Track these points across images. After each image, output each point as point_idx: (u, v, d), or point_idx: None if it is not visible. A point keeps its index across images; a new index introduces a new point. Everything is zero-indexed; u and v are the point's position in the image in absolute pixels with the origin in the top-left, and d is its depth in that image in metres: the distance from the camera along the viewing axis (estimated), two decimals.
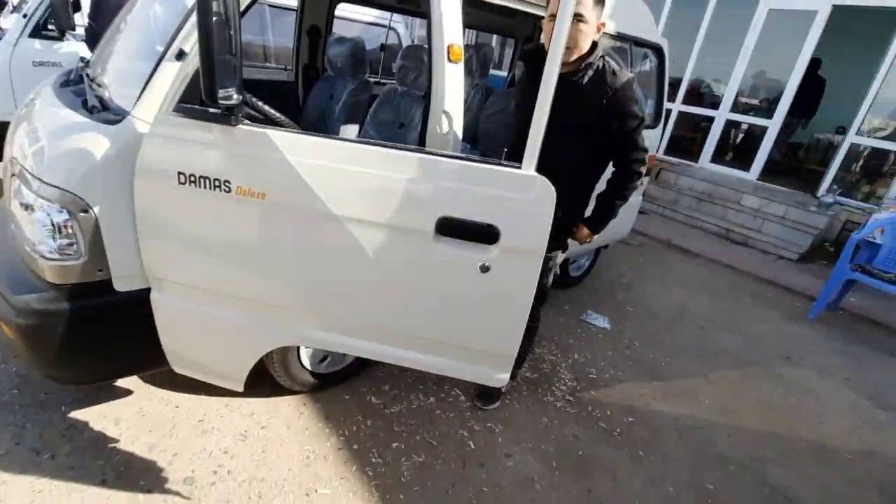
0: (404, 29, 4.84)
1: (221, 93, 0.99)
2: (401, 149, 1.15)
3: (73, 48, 3.17)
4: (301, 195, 1.17)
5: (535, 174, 1.10)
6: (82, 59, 1.94)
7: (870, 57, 5.09)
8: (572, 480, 1.81)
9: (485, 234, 1.14)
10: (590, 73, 1.50)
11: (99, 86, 1.49)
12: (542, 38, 1.55)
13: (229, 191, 1.19)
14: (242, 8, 1.09)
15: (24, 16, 3.01)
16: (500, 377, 1.33)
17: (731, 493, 1.87)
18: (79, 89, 1.53)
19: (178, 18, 2.39)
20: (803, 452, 2.15)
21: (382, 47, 3.70)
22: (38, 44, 3.06)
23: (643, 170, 1.64)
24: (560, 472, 1.84)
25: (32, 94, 1.82)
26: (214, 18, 0.92)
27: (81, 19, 3.41)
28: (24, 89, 3.05)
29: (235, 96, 1.05)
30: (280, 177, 1.17)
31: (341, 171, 1.16)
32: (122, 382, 1.89)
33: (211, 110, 1.14)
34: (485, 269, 1.16)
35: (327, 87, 2.75)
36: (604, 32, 2.47)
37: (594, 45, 1.52)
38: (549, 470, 1.84)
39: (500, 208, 1.13)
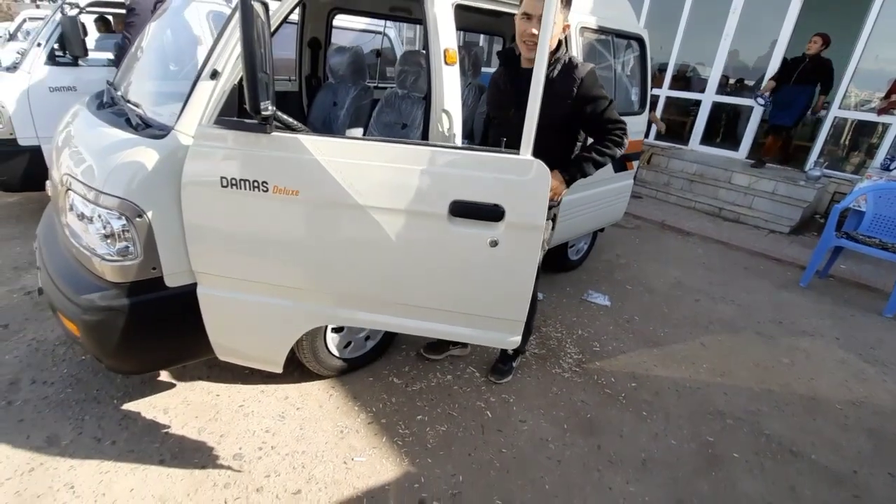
0: (395, 33, 5.00)
1: (262, 105, 1.16)
2: (414, 144, 1.32)
3: (88, 74, 3.33)
4: (330, 190, 1.34)
5: (532, 158, 1.27)
6: (109, 82, 2.11)
7: (848, 32, 5.26)
8: (583, 439, 1.98)
9: (492, 213, 1.31)
10: (558, 67, 1.68)
11: (136, 106, 1.66)
12: (516, 36, 1.68)
13: (267, 190, 1.36)
14: (272, 30, 1.26)
15: (39, 44, 3.18)
16: (512, 339, 1.51)
17: (730, 442, 2.04)
18: (117, 110, 1.69)
19: (188, 43, 2.57)
20: (796, 405, 2.32)
21: (378, 53, 3.87)
22: (53, 70, 3.22)
23: (624, 139, 1.75)
24: (571, 432, 2.01)
25: (68, 118, 2.00)
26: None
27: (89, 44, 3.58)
28: (43, 114, 3.23)
29: (271, 108, 1.23)
30: (311, 175, 1.34)
31: (364, 166, 1.33)
32: (164, 376, 2.07)
33: (248, 121, 1.31)
34: (494, 243, 1.33)
35: (330, 95, 2.92)
36: (587, 27, 2.64)
37: (560, 43, 1.69)
38: (561, 431, 2.01)
39: (504, 190, 1.30)
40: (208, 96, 1.40)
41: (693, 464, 1.91)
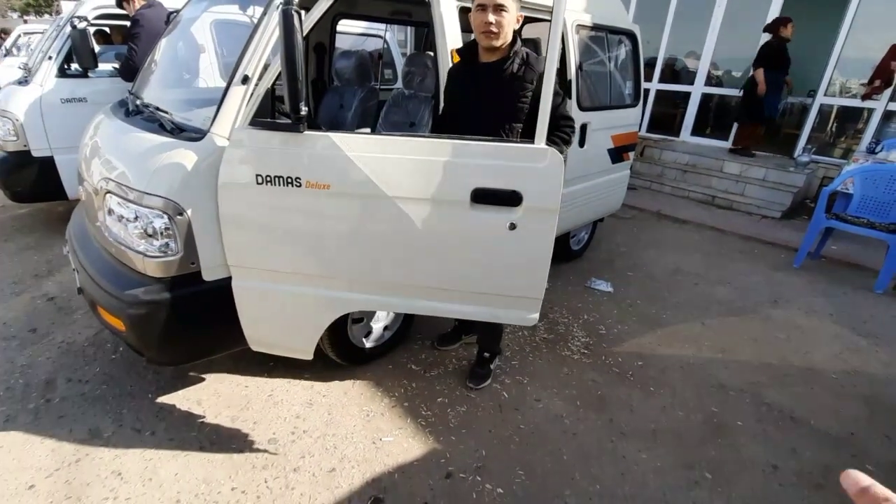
0: (390, 36, 5.10)
1: (300, 106, 1.27)
2: (437, 137, 1.43)
3: (97, 85, 3.42)
4: (359, 183, 1.44)
5: (546, 147, 1.38)
6: (130, 91, 2.20)
7: (831, 20, 5.42)
8: (595, 414, 2.10)
9: (511, 199, 1.42)
10: (517, 60, 1.69)
11: (165, 112, 1.76)
12: (473, 28, 1.67)
13: (300, 185, 1.46)
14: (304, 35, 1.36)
15: (49, 58, 3.25)
16: (531, 317, 1.62)
17: (733, 412, 2.16)
18: (148, 116, 1.79)
19: (194, 54, 2.66)
20: (794, 376, 2.45)
21: (380, 56, 3.97)
22: (64, 83, 3.30)
23: (572, 135, 1.75)
24: (584, 408, 2.12)
25: (92, 128, 2.08)
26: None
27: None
28: (55, 126, 3.30)
29: (304, 108, 1.33)
30: (341, 170, 1.44)
31: (391, 160, 1.44)
32: (194, 371, 2.16)
33: (281, 121, 1.41)
34: (513, 227, 1.44)
35: (337, 98, 3.02)
36: (583, 25, 2.76)
37: (515, 36, 1.71)
38: (574, 408, 2.12)
39: (521, 177, 1.41)
40: (241, 100, 1.50)
41: (700, 432, 2.03)
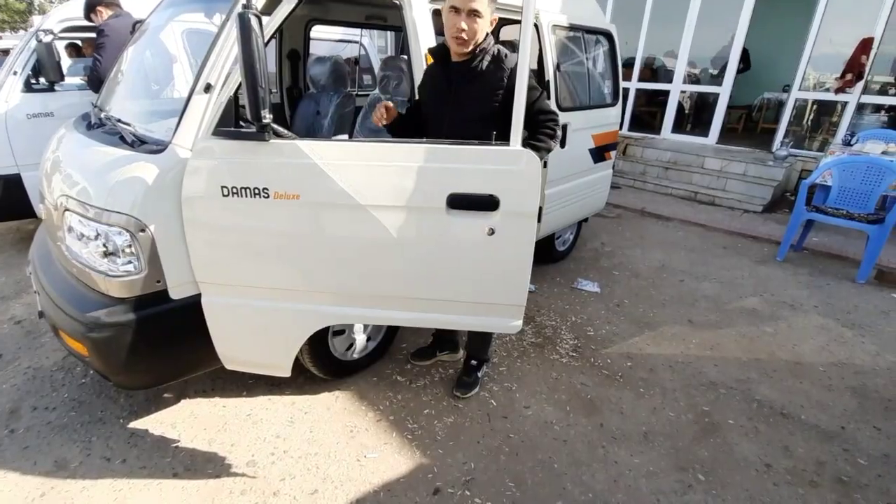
0: (369, 41, 5.06)
1: (262, 114, 1.21)
2: (410, 142, 1.38)
3: (64, 99, 3.31)
4: (330, 192, 1.38)
5: (522, 149, 1.34)
6: (94, 104, 2.11)
7: (803, 16, 5.52)
8: (585, 418, 2.05)
9: (488, 203, 1.37)
10: (487, 58, 1.62)
11: (127, 124, 1.68)
12: (445, 31, 1.62)
13: (268, 196, 1.40)
14: (265, 41, 1.30)
15: (14, 73, 3.14)
16: (514, 324, 1.57)
17: (724, 410, 2.14)
18: (108, 129, 1.71)
19: (165, 62, 2.59)
20: (782, 371, 2.44)
21: (355, 61, 3.92)
22: (30, 97, 3.19)
23: (557, 130, 1.71)
24: (574, 413, 2.08)
25: (54, 143, 1.99)
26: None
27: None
28: (21, 142, 3.19)
29: (269, 116, 1.27)
30: (310, 179, 1.38)
31: (361, 167, 1.38)
32: (168, 393, 2.07)
33: (245, 130, 1.35)
34: (491, 232, 1.39)
35: (313, 104, 2.96)
36: (559, 25, 2.75)
37: (487, 35, 1.66)
38: (564, 413, 2.08)
39: (498, 180, 1.37)
40: (203, 109, 1.43)
41: (691, 433, 2.00)
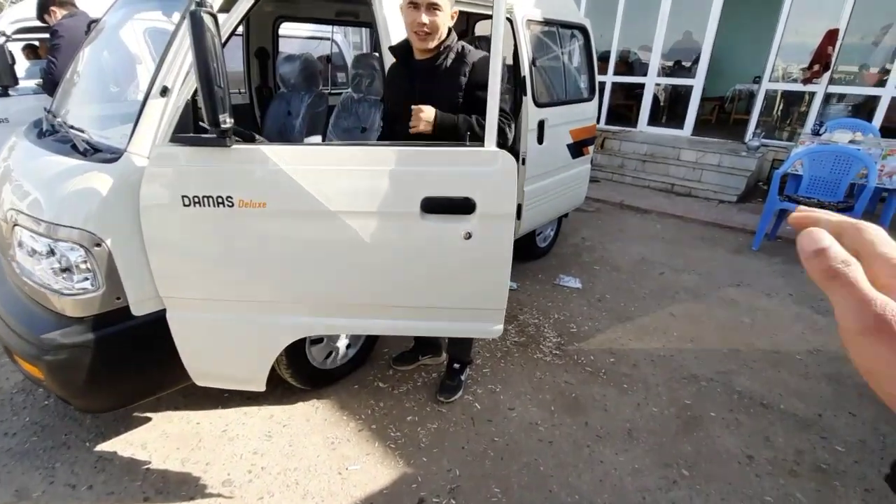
0: (342, 38, 4.95)
1: (221, 118, 1.13)
2: (379, 145, 1.33)
3: (19, 104, 3.13)
4: (298, 199, 1.32)
5: (497, 149, 1.30)
6: (47, 109, 1.99)
7: (772, 7, 5.61)
8: (570, 418, 2.04)
9: (463, 206, 1.33)
10: (451, 55, 1.61)
11: (80, 131, 1.58)
12: (406, 27, 1.60)
13: (232, 205, 1.32)
14: (223, 41, 1.23)
15: None
16: (495, 328, 1.53)
17: (706, 403, 2.15)
18: (60, 137, 1.60)
19: (124, 63, 2.46)
20: (761, 361, 2.47)
21: (328, 59, 3.82)
22: None
23: (507, 130, 1.62)
24: (559, 413, 2.06)
25: (4, 152, 1.87)
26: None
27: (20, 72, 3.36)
28: None
29: (229, 120, 1.20)
30: (277, 185, 1.32)
31: (330, 171, 1.32)
32: (138, 411, 1.98)
33: (206, 136, 1.27)
34: (468, 236, 1.35)
35: (283, 104, 2.87)
36: (533, 20, 2.71)
37: (450, 31, 1.63)
38: (548, 414, 2.06)
39: (473, 182, 1.32)
40: (160, 114, 1.35)
41: (675, 427, 2.00)
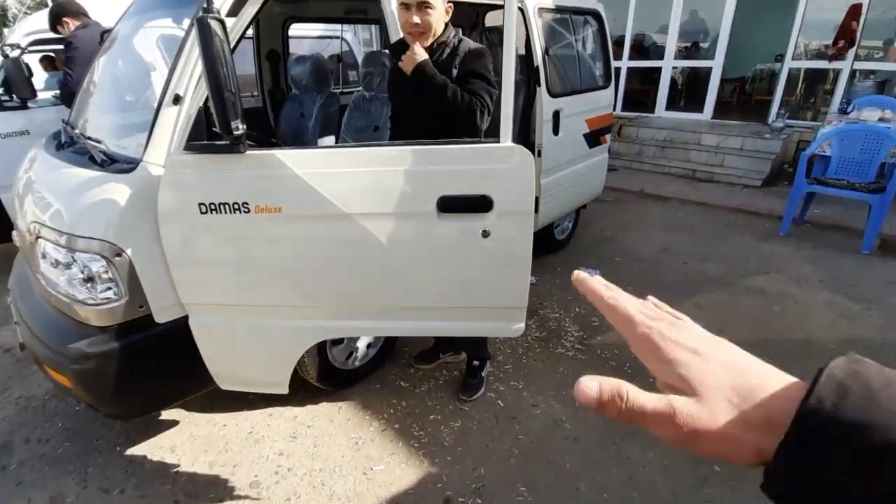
0: (352, 36, 4.93)
1: (233, 124, 1.12)
2: (393, 145, 1.30)
3: (39, 116, 3.20)
4: (313, 203, 1.31)
5: (514, 145, 1.26)
6: (65, 121, 2.02)
7: None
8: (595, 415, 1.99)
9: (480, 204, 1.30)
10: (446, 50, 1.61)
11: (97, 142, 1.59)
12: (400, 28, 1.60)
13: (248, 211, 1.32)
14: (232, 46, 1.22)
15: None
16: (516, 327, 1.50)
17: None
18: (78, 149, 1.62)
19: (139, 72, 2.49)
20: (792, 351, 2.38)
21: (338, 58, 3.80)
22: (2, 116, 3.08)
23: (479, 117, 1.53)
24: (584, 410, 2.02)
25: (26, 164, 1.91)
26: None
27: (38, 83, 3.44)
28: None
29: (241, 126, 1.19)
30: (292, 190, 1.31)
31: (346, 174, 1.30)
32: (166, 414, 2.01)
33: (219, 143, 1.27)
34: (486, 234, 1.32)
35: (296, 106, 2.86)
36: (545, 8, 2.64)
37: (447, 26, 1.62)
38: (573, 410, 2.02)
39: (490, 179, 1.29)
40: (174, 122, 1.35)
41: None
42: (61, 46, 3.24)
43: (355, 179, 1.31)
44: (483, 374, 2.15)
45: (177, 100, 1.36)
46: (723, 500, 1.61)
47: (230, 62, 1.13)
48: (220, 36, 1.08)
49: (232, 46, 1.20)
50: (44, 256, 1.47)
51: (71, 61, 2.81)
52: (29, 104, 3.13)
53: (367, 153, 1.32)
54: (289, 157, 1.29)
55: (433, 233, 1.35)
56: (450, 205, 1.30)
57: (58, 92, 3.15)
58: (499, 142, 1.26)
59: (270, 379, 1.67)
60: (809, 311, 2.72)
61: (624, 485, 1.67)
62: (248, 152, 1.28)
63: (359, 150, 1.32)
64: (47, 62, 4.88)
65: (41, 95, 3.24)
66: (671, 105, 6.36)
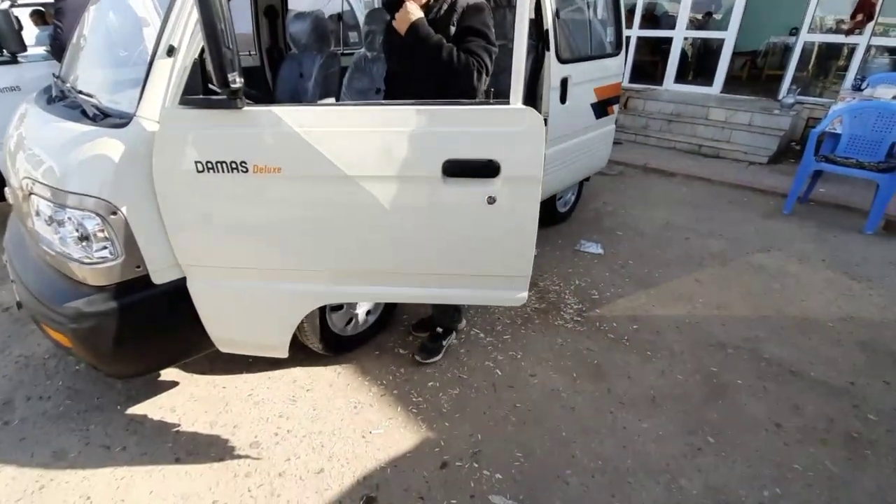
0: None
1: (230, 77, 1.07)
2: (398, 104, 1.25)
3: (30, 72, 3.09)
4: (314, 163, 1.27)
5: (524, 107, 1.21)
6: (55, 75, 1.95)
7: None
8: (592, 384, 2.02)
9: (487, 169, 1.26)
10: (444, 5, 1.57)
11: (89, 96, 1.53)
12: None
13: (247, 171, 1.28)
14: None
15: None
16: (520, 296, 1.49)
17: (733, 370, 2.10)
18: (70, 103, 1.56)
19: (131, 23, 2.38)
20: (791, 328, 2.39)
21: (339, 18, 3.66)
22: None
23: (476, 77, 1.50)
24: (581, 380, 2.04)
25: (16, 119, 1.85)
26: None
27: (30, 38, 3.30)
28: None
29: (239, 80, 1.13)
30: (292, 149, 1.26)
31: (348, 133, 1.26)
32: (166, 375, 2.02)
33: (216, 97, 1.21)
34: (492, 200, 1.29)
35: (295, 66, 2.77)
36: None
37: None
38: (570, 380, 2.04)
39: (497, 143, 1.25)
40: (168, 75, 1.29)
41: (700, 395, 1.97)
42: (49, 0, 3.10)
43: (358, 140, 1.26)
44: (444, 342, 2.15)
45: (171, 51, 1.29)
46: (715, 470, 1.64)
47: (227, 14, 1.06)
48: None
49: None
50: (37, 214, 1.43)
51: (61, 14, 2.70)
52: (19, 58, 3.02)
53: (370, 112, 1.26)
54: (288, 115, 1.24)
55: (438, 197, 1.31)
56: (455, 169, 1.26)
57: (49, 47, 3.03)
58: (508, 103, 1.21)
59: (270, 342, 1.67)
60: (810, 289, 2.72)
61: (618, 453, 1.70)
62: (245, 108, 1.22)
63: (362, 109, 1.27)
64: (38, 16, 4.70)
65: (32, 51, 3.12)
66: (680, 78, 6.20)
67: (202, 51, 1.28)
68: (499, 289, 1.48)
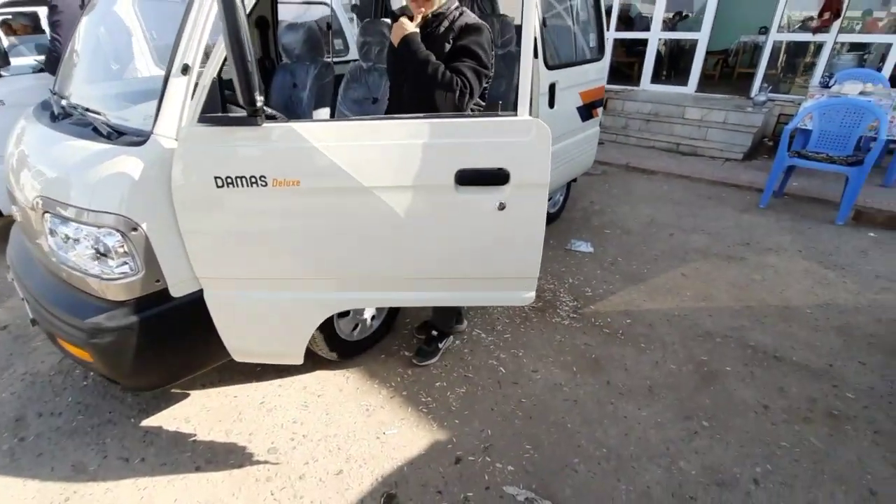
0: (338, 3, 4.76)
1: (255, 96, 1.12)
2: (412, 118, 1.32)
3: (13, 85, 3.04)
4: (332, 176, 1.32)
5: (531, 118, 1.29)
6: (52, 90, 1.95)
7: None
8: (592, 378, 2.12)
9: (497, 177, 1.33)
10: (445, 22, 1.63)
11: (97, 113, 1.55)
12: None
13: (265, 184, 1.33)
14: (247, 12, 1.19)
15: None
16: (527, 296, 1.57)
17: (721, 358, 2.23)
18: (77, 120, 1.58)
19: (122, 38, 2.38)
20: (772, 316, 2.54)
21: (328, 26, 3.68)
22: None
23: (458, 97, 1.52)
24: (581, 374, 2.14)
25: (15, 136, 1.84)
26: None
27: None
28: None
29: (260, 98, 1.18)
30: (310, 163, 1.31)
31: (364, 147, 1.32)
32: (176, 387, 2.04)
33: (235, 115, 1.26)
34: (502, 206, 1.37)
35: (288, 76, 2.80)
36: None
37: None
38: (571, 374, 2.14)
39: (507, 153, 1.32)
40: (183, 93, 1.33)
41: (693, 382, 2.09)
42: (26, 9, 3.06)
43: (374, 152, 1.33)
44: (440, 345, 2.20)
45: (185, 70, 1.33)
46: (711, 451, 1.75)
47: (247, 34, 1.12)
48: (240, 3, 1.06)
49: (247, 12, 1.18)
50: (52, 233, 1.45)
51: (58, 26, 2.68)
52: (2, 72, 2.97)
53: (385, 126, 1.33)
54: (306, 130, 1.30)
55: (451, 205, 1.38)
56: (468, 178, 1.33)
57: (40, 58, 2.99)
58: (516, 115, 1.29)
59: (287, 350, 1.71)
60: (788, 279, 2.88)
61: (621, 440, 1.80)
62: (265, 125, 1.27)
63: (377, 124, 1.34)
64: (7, 28, 4.59)
65: (14, 63, 3.07)
66: (656, 78, 6.40)
67: (221, 68, 1.33)
68: (508, 290, 1.56)
